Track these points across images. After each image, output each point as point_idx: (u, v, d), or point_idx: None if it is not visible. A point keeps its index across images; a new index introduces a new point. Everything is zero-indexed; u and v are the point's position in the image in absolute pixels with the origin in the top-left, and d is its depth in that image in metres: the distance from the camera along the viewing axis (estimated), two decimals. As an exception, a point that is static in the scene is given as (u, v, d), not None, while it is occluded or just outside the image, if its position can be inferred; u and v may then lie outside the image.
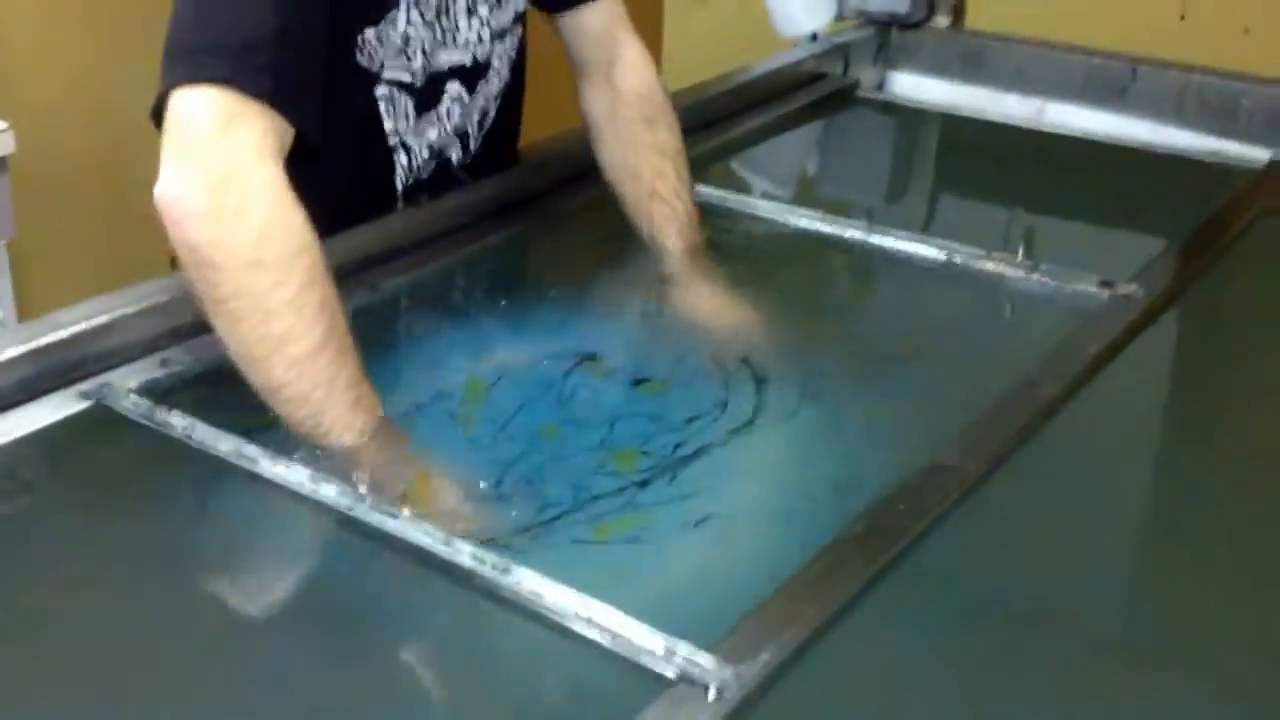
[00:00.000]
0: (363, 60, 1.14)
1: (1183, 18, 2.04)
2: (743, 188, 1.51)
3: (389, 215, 1.24)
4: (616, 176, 1.31)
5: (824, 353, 1.16)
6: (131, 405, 0.98)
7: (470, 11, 1.20)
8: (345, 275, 1.12)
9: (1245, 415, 1.11)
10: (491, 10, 1.22)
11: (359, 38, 1.13)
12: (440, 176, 1.27)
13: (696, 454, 0.98)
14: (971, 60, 1.80)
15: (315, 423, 0.94)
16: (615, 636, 0.78)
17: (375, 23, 1.13)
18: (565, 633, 0.79)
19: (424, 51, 1.17)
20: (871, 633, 0.82)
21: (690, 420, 1.02)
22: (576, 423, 1.01)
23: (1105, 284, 1.22)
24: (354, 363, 0.96)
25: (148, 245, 1.06)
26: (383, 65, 1.16)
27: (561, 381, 1.06)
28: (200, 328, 1.01)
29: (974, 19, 1.87)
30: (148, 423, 0.96)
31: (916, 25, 1.84)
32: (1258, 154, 1.57)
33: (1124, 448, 1.07)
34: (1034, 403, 1.04)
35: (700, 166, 1.50)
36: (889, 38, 1.84)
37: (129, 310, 1.04)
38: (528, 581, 0.82)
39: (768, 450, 1.02)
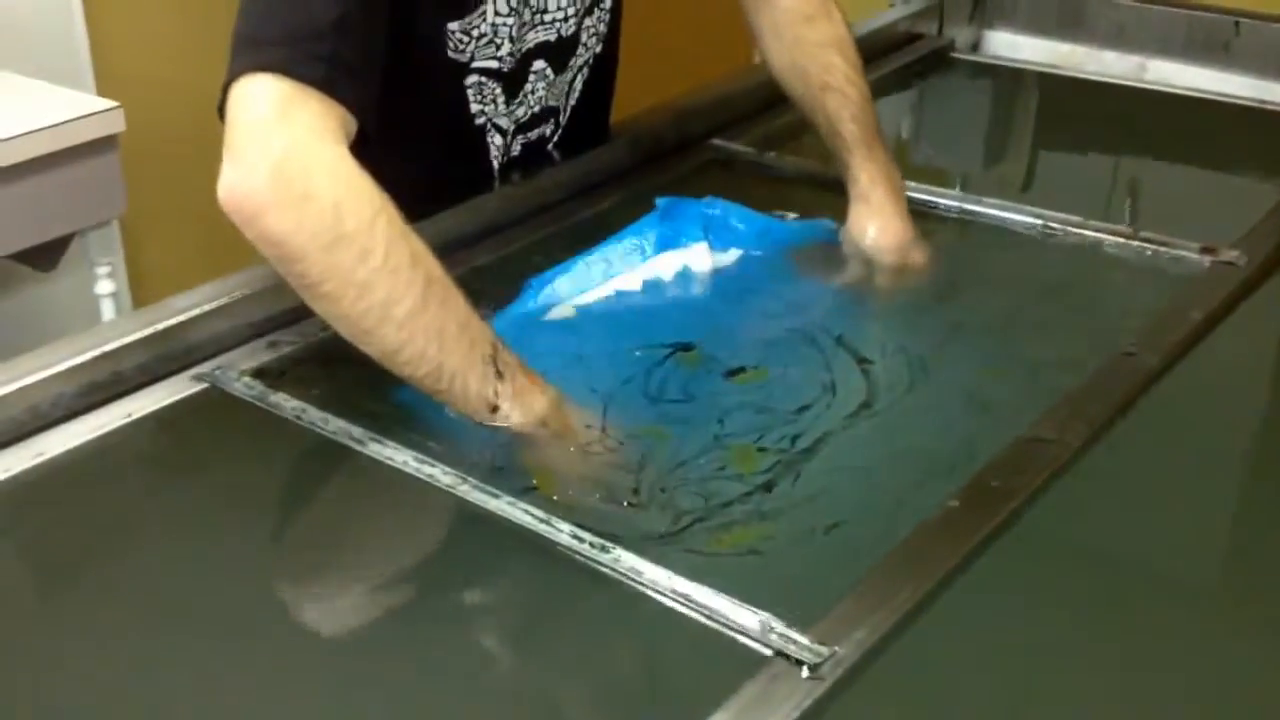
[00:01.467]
0: (451, 53, 1.16)
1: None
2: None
3: (481, 196, 1.26)
4: (787, 81, 1.33)
5: (922, 326, 1.16)
6: (244, 388, 1.01)
7: None
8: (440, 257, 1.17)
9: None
10: None
11: (445, 30, 1.14)
12: (533, 153, 1.29)
13: (816, 446, 0.97)
14: (1069, 17, 1.77)
15: (437, 378, 0.95)
16: (712, 613, 0.80)
17: (461, 16, 1.14)
18: (663, 610, 0.81)
19: (511, 38, 1.18)
20: (966, 611, 0.83)
21: (801, 409, 1.01)
22: (683, 420, 1.00)
23: (1206, 250, 1.21)
24: (460, 307, 0.96)
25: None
26: (472, 56, 1.17)
27: (653, 372, 1.06)
28: (307, 309, 1.04)
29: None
30: (260, 404, 1.00)
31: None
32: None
33: (1225, 420, 1.06)
34: (1133, 375, 1.03)
35: (794, 134, 1.50)
36: (984, -4, 1.82)
37: (239, 294, 1.08)
38: (626, 559, 0.84)
39: (886, 438, 1.01)
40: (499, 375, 0.96)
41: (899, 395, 1.04)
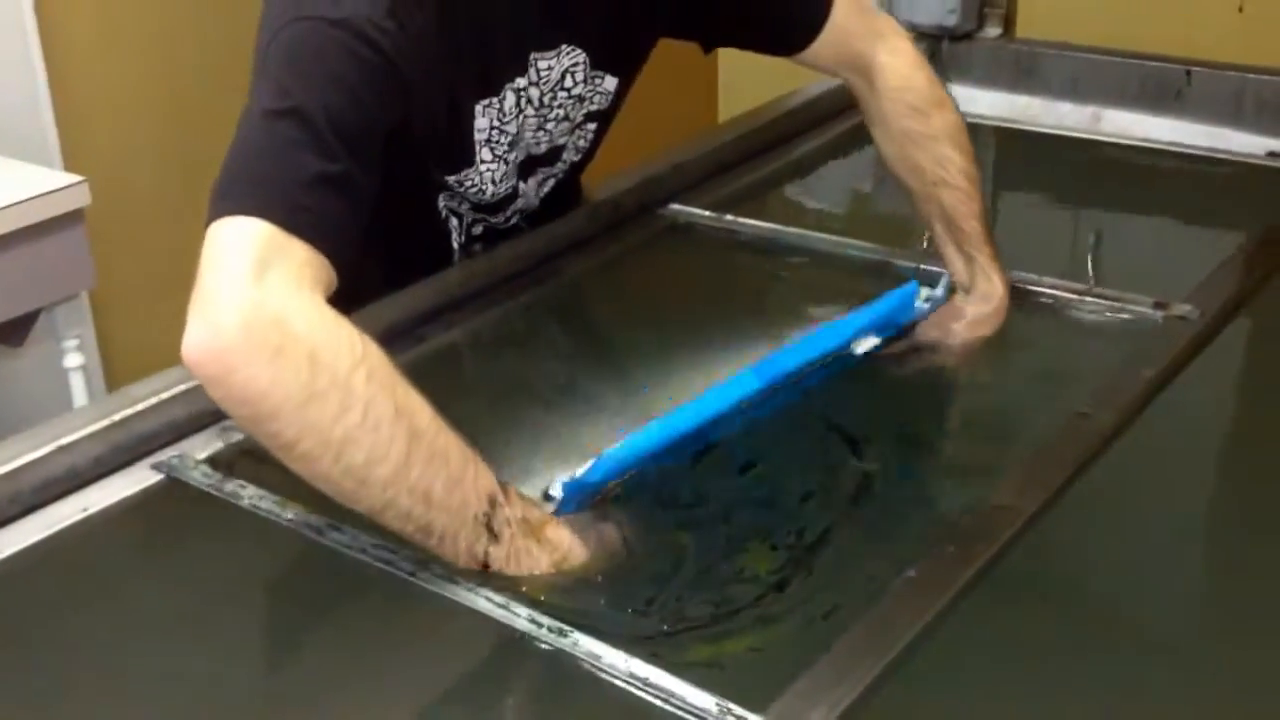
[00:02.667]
0: (443, 202, 1.19)
1: (1241, 9, 2.01)
2: (794, 218, 1.51)
3: (443, 271, 1.26)
4: (898, 172, 1.30)
5: (893, 394, 1.16)
6: (201, 476, 1.02)
7: (539, 128, 1.21)
8: (401, 333, 1.18)
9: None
10: (560, 124, 1.22)
11: (442, 180, 1.16)
12: (498, 232, 1.30)
13: (824, 538, 0.96)
14: (1024, 70, 1.80)
15: (425, 534, 0.89)
16: (669, 697, 0.80)
17: (457, 171, 1.16)
18: (620, 694, 0.81)
19: (495, 181, 1.20)
20: (928, 681, 0.83)
21: (805, 499, 1.01)
22: (696, 524, 0.98)
23: (1159, 305, 1.22)
24: (452, 462, 0.88)
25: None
26: (461, 199, 1.20)
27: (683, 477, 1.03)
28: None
29: (1024, 28, 1.86)
30: (217, 493, 1.00)
31: (967, 36, 1.84)
32: (1320, 155, 1.55)
33: (1179, 477, 1.07)
34: (1088, 436, 1.04)
35: (751, 195, 1.51)
36: (939, 50, 1.84)
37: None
38: (584, 643, 0.84)
39: (879, 518, 1.00)
40: (493, 536, 0.89)
41: (887, 477, 1.04)
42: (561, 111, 1.21)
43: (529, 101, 1.17)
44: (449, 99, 1.10)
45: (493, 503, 0.89)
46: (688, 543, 0.96)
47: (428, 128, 1.09)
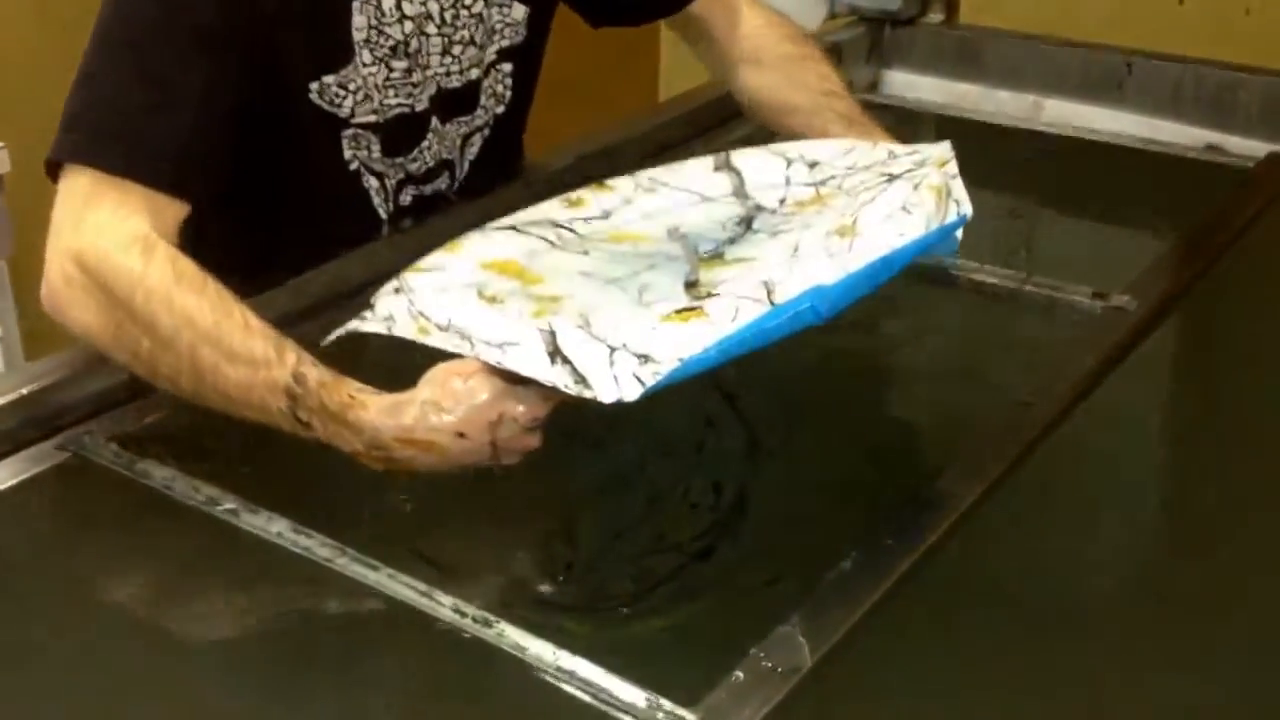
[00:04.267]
0: (328, 108, 1.13)
1: (1182, 2, 2.02)
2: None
3: (371, 243, 1.22)
4: (783, 96, 1.29)
5: (804, 371, 1.14)
6: (111, 456, 0.97)
7: (445, 50, 1.18)
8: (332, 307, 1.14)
9: (1244, 429, 1.10)
10: (466, 48, 1.19)
11: (319, 85, 1.11)
12: (428, 203, 1.26)
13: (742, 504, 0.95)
14: (966, 57, 1.78)
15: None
16: (597, 691, 0.77)
17: (335, 70, 1.11)
18: (546, 687, 0.78)
19: (379, 87, 1.15)
20: (865, 674, 0.81)
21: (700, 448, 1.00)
22: (606, 468, 0.97)
23: (1098, 295, 1.21)
24: (238, 368, 0.90)
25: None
26: (352, 112, 1.14)
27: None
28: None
29: (968, 14, 1.84)
30: (128, 473, 0.96)
31: (909, 22, 1.81)
32: (1256, 147, 1.54)
33: (1120, 469, 1.06)
34: (1026, 425, 1.02)
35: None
36: (882, 36, 1.82)
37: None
38: (510, 634, 0.81)
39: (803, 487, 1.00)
40: (306, 425, 0.90)
41: (784, 439, 1.03)
42: (466, 34, 1.17)
43: (427, 17, 1.14)
44: None
45: (291, 396, 0.89)
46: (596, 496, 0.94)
47: (298, 20, 1.06)
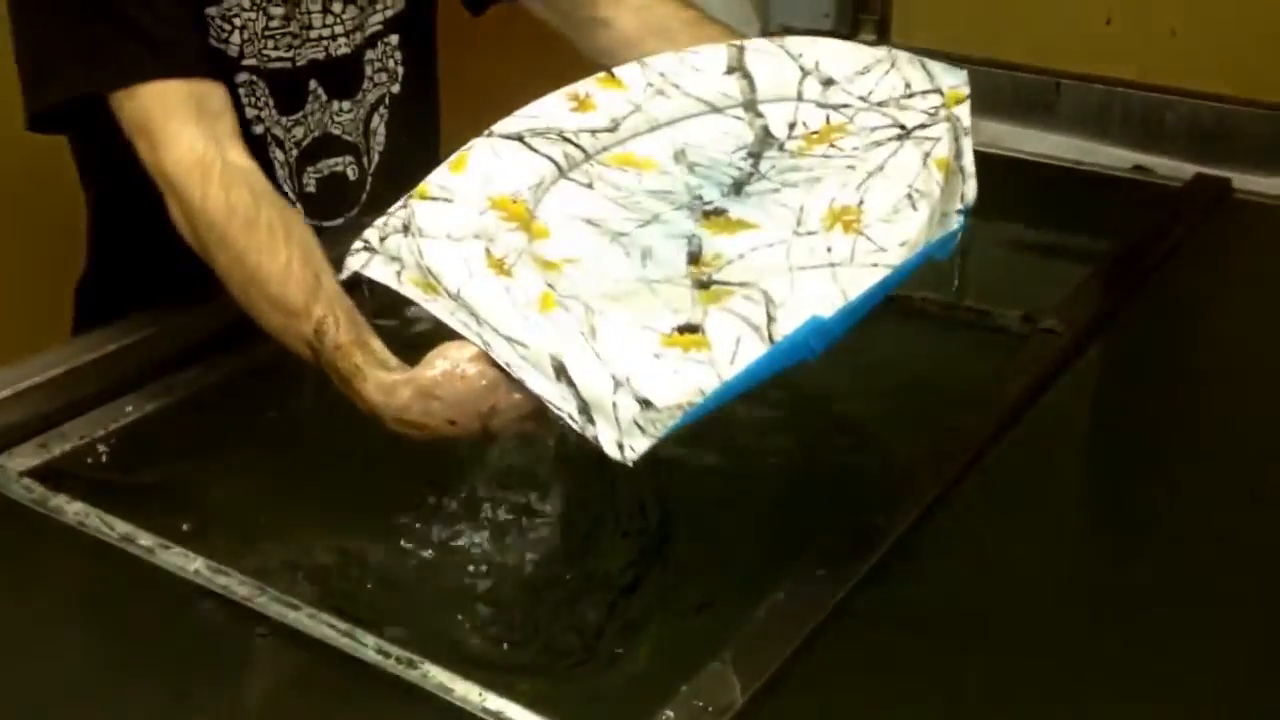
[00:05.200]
0: (215, 42, 1.13)
1: (1109, 22, 2.03)
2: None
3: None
4: (653, 32, 1.21)
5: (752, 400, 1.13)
6: (22, 490, 0.94)
7: (325, 9, 1.18)
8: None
9: (1170, 450, 1.11)
10: (347, 6, 1.19)
11: (205, 16, 1.12)
12: (337, 192, 1.24)
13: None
14: (897, 76, 1.78)
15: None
16: (524, 732, 0.76)
17: (218, 2, 1.12)
18: (473, 729, 0.77)
19: (274, 39, 1.15)
20: (792, 716, 0.80)
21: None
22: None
23: (1028, 318, 1.21)
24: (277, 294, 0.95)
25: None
26: (241, 53, 1.14)
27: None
28: (96, 401, 0.98)
29: (899, 34, 1.85)
30: (40, 509, 0.93)
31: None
32: (1183, 168, 1.56)
33: (1050, 492, 1.06)
34: (957, 450, 1.02)
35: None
36: (814, 55, 1.81)
37: (23, 385, 1.01)
38: (434, 674, 0.79)
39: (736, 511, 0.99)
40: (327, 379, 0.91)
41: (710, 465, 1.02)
42: None
43: None
44: None
45: (313, 349, 0.91)
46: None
47: None
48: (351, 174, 1.25)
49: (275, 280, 0.95)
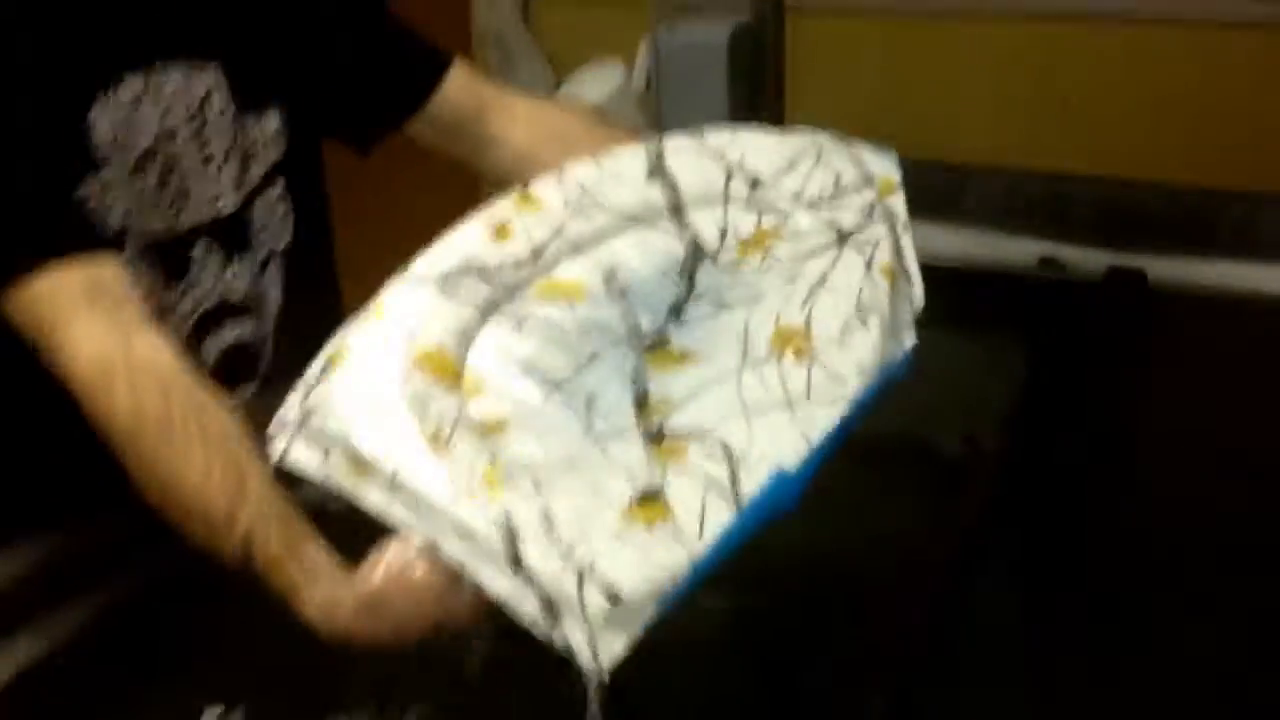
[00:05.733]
0: (95, 219, 1.04)
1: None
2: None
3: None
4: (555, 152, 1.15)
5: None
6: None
7: (204, 166, 1.09)
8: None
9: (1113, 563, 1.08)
10: (226, 163, 1.11)
11: (79, 197, 1.03)
12: (240, 363, 1.15)
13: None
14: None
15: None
16: None
17: (95, 173, 1.03)
18: None
19: (154, 207, 1.07)
20: None
21: None
22: None
23: (966, 439, 1.17)
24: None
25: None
26: (122, 225, 1.05)
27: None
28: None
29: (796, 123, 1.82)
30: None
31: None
32: (1094, 257, 1.54)
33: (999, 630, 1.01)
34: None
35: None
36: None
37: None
38: None
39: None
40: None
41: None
42: (221, 145, 1.10)
43: (172, 131, 1.06)
44: (54, 91, 1.00)
45: (243, 563, 0.86)
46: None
47: (43, 126, 1.00)
48: (252, 340, 1.16)
49: (194, 490, 0.87)
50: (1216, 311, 1.47)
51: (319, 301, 1.21)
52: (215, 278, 1.13)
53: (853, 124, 1.79)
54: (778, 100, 1.79)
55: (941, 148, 1.72)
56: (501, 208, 1.03)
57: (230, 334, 1.14)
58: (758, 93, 1.76)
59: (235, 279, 1.14)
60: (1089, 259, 1.54)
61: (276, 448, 0.85)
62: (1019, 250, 1.59)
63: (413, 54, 1.22)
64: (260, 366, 1.17)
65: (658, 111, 1.77)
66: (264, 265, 1.16)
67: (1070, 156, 1.66)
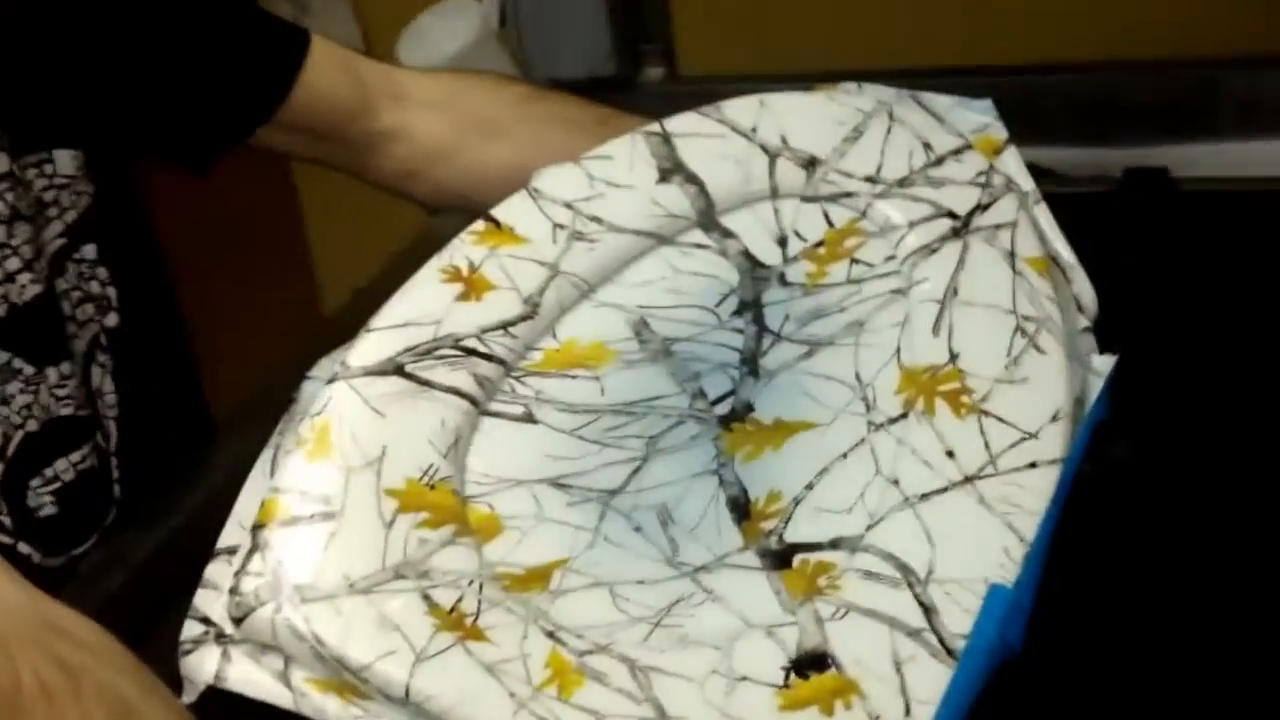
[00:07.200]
0: None
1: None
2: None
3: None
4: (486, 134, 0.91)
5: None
6: None
7: None
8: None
9: None
10: (15, 225, 0.77)
11: None
12: (83, 502, 0.82)
13: None
14: (701, 113, 1.47)
15: None
16: None
17: None
18: None
19: None
20: None
21: None
22: None
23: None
24: None
25: None
26: None
27: None
28: None
29: (688, 64, 1.54)
30: None
31: (626, 84, 1.50)
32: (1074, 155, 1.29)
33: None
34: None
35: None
36: (597, 105, 1.48)
37: None
38: None
39: None
40: None
41: None
42: (3, 205, 0.76)
43: None
44: None
45: None
46: None
47: None
48: (93, 468, 0.82)
49: None
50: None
51: (176, 400, 0.90)
52: (32, 393, 0.79)
53: (754, 41, 1.54)
54: (666, 29, 1.50)
55: (870, 53, 1.44)
56: (461, 250, 0.71)
57: (67, 466, 0.81)
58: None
59: (59, 387, 0.79)
60: (1078, 160, 1.30)
61: (202, 663, 0.52)
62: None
63: (255, 38, 0.88)
64: (109, 509, 0.83)
65: (520, 51, 1.44)
66: (88, 360, 0.81)
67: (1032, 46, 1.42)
